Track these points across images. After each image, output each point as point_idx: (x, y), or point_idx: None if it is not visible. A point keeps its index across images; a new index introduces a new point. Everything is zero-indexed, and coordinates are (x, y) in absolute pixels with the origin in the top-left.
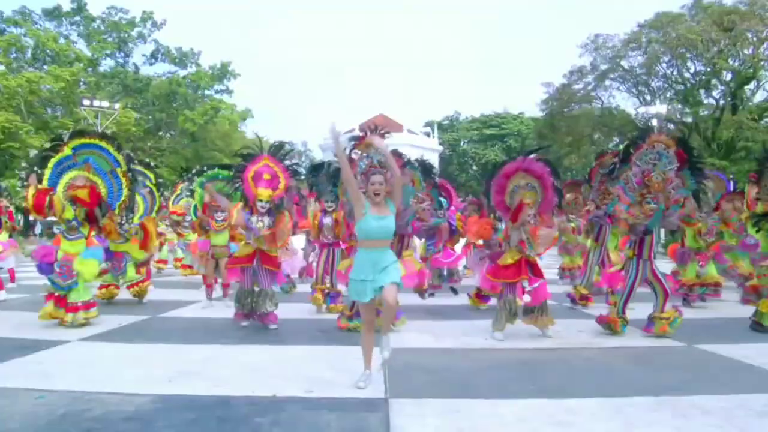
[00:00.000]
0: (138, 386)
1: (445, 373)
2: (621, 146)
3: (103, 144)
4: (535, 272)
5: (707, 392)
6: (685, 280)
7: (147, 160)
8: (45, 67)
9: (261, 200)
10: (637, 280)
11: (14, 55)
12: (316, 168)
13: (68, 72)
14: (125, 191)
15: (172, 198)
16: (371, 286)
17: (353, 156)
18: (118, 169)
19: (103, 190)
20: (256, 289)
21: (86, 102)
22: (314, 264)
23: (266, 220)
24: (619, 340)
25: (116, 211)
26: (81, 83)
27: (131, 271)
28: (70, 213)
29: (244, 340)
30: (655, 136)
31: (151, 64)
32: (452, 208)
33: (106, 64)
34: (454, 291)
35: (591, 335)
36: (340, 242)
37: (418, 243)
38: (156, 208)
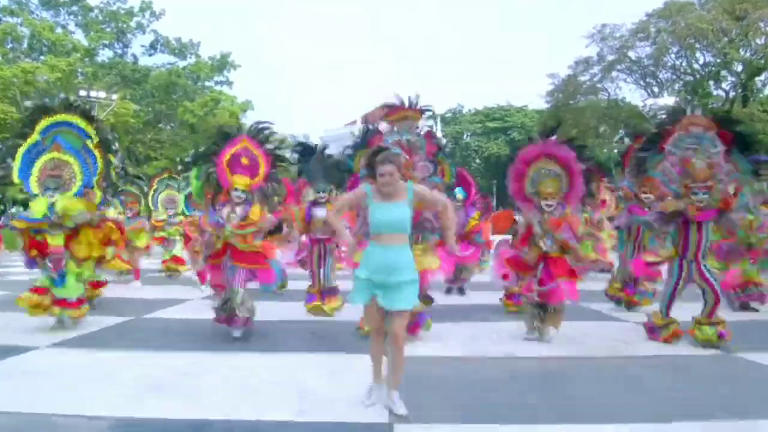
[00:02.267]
0: (101, 405)
1: (456, 390)
2: (626, 138)
3: (71, 118)
4: (558, 270)
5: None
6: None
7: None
8: (42, 57)
9: (237, 189)
10: (680, 283)
11: (10, 45)
12: (305, 151)
13: (64, 62)
14: (100, 164)
15: (150, 194)
16: (378, 292)
17: (380, 128)
18: (89, 142)
19: (76, 168)
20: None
21: (83, 92)
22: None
23: (240, 211)
24: (652, 347)
25: (94, 189)
26: (78, 74)
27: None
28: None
29: (231, 345)
30: (689, 118)
31: (150, 55)
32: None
33: (105, 55)
34: (462, 291)
35: (618, 340)
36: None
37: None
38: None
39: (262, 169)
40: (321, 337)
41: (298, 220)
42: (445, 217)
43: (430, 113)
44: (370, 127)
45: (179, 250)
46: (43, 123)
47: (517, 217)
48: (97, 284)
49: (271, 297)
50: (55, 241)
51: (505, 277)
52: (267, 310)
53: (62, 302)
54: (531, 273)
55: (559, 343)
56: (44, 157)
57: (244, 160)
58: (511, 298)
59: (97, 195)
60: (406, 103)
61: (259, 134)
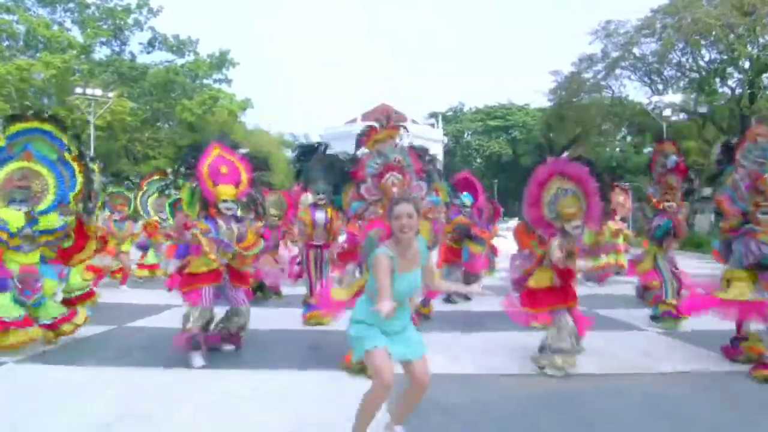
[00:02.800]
0: None
1: (467, 413)
2: (629, 137)
3: (45, 126)
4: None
5: None
6: None
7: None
8: (38, 55)
9: (225, 200)
10: None
11: (6, 42)
12: (305, 151)
13: (59, 59)
14: (79, 178)
15: (139, 196)
16: (388, 343)
17: (359, 156)
18: (67, 154)
19: (50, 181)
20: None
21: (78, 90)
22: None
23: (235, 227)
24: (681, 362)
25: (71, 205)
26: (75, 71)
27: (75, 278)
28: None
29: (216, 361)
30: (753, 127)
31: (148, 53)
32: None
33: (102, 53)
34: (467, 298)
35: (644, 353)
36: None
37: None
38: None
39: (244, 176)
40: (317, 349)
41: (307, 224)
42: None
43: (409, 126)
44: (344, 157)
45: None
46: (12, 129)
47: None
48: (87, 295)
49: (266, 303)
50: (29, 259)
51: (526, 322)
52: (262, 318)
53: (52, 325)
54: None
55: (581, 357)
56: (11, 166)
57: (224, 169)
58: None
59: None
60: (378, 126)
61: (227, 139)
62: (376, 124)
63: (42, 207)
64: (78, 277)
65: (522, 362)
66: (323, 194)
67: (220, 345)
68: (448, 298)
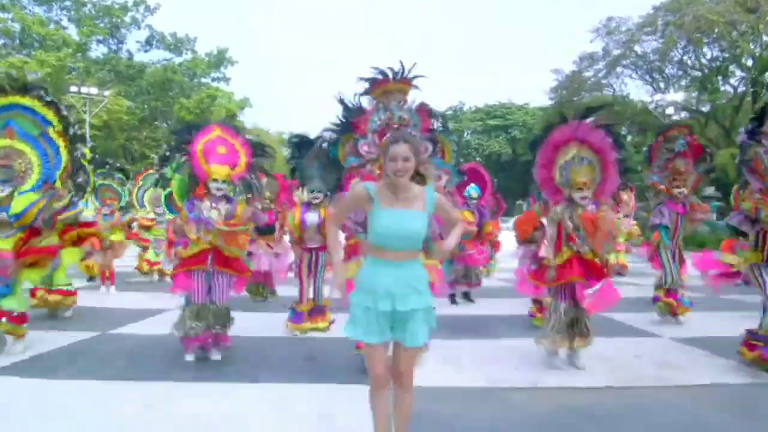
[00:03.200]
0: None
1: None
2: (629, 136)
3: (26, 101)
4: (594, 273)
5: None
6: None
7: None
8: (34, 53)
9: (216, 180)
10: None
11: (2, 41)
12: (301, 144)
13: (54, 57)
14: (65, 156)
15: (135, 191)
16: (384, 322)
17: (364, 104)
18: (51, 129)
19: (33, 159)
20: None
21: (74, 88)
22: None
23: (223, 207)
24: (704, 373)
25: (57, 183)
26: (71, 69)
27: (60, 275)
28: None
29: (202, 374)
30: None
31: (146, 51)
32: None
33: (99, 51)
34: (470, 299)
35: (659, 363)
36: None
37: None
38: (89, 188)
39: (243, 159)
40: (310, 359)
41: (293, 226)
42: (453, 235)
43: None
44: (350, 104)
45: (152, 254)
46: None
47: (544, 220)
48: (67, 293)
49: (256, 307)
50: (3, 244)
51: (535, 291)
52: (252, 323)
53: (7, 314)
54: (569, 279)
55: (593, 367)
56: None
57: (221, 149)
58: (542, 311)
59: (64, 196)
60: (391, 75)
61: (231, 124)
62: (389, 73)
63: (26, 187)
64: (62, 275)
65: (532, 373)
66: (319, 193)
67: (209, 350)
68: (453, 299)
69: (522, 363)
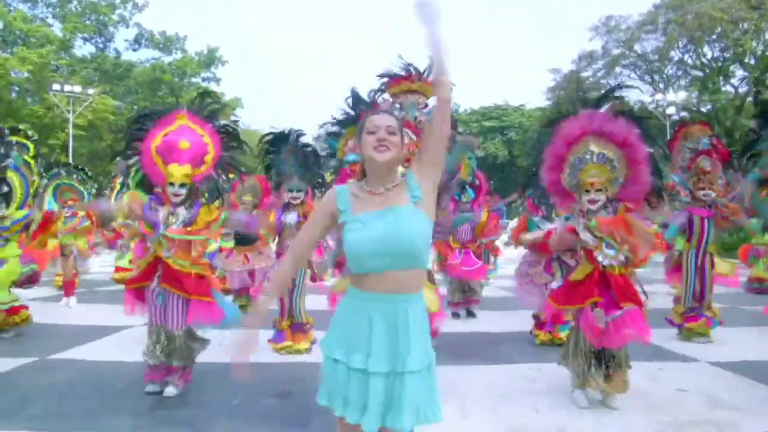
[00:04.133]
0: None
1: None
2: None
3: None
4: (620, 294)
5: None
6: None
7: (21, 127)
8: (15, 49)
9: (174, 183)
10: None
11: None
12: (276, 139)
13: (36, 54)
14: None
15: (113, 195)
16: (365, 388)
17: (377, 101)
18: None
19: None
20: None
21: (56, 86)
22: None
23: (182, 213)
24: (750, 410)
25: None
26: (55, 67)
27: (2, 293)
28: None
29: (142, 421)
30: None
31: (134, 50)
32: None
33: (85, 49)
34: (472, 314)
35: (709, 401)
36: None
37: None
38: (32, 191)
39: (211, 154)
40: (285, 398)
41: (270, 230)
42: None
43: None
44: (365, 97)
45: (126, 261)
46: None
47: (550, 226)
48: (15, 310)
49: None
50: None
51: (557, 318)
52: (221, 343)
53: None
54: (589, 300)
55: (628, 407)
56: None
57: (184, 144)
58: (543, 326)
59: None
60: (414, 72)
61: (203, 109)
62: (412, 71)
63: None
64: (5, 291)
65: (557, 416)
66: (298, 192)
67: (162, 383)
68: (455, 312)
69: (542, 400)
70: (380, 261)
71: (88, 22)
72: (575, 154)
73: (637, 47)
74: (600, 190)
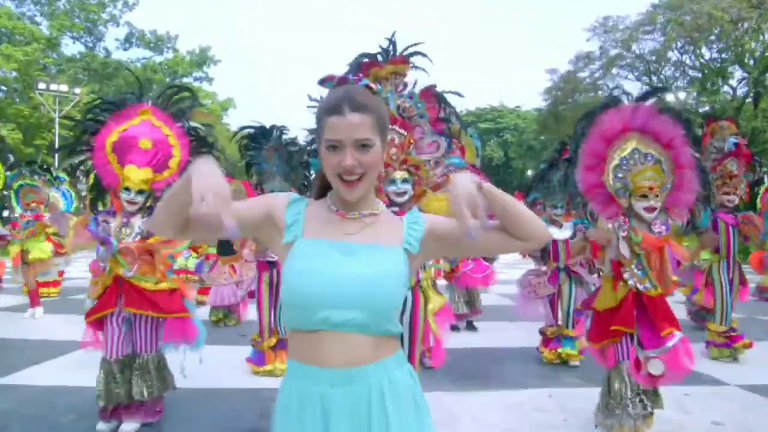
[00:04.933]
0: None
1: None
2: None
3: None
4: (659, 319)
5: None
6: None
7: None
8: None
9: (129, 188)
10: None
11: None
12: (256, 135)
13: (21, 51)
14: None
15: (90, 197)
16: None
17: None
18: None
19: None
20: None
21: (42, 85)
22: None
23: (138, 223)
24: None
25: None
26: (45, 67)
27: None
28: None
29: None
30: None
31: (125, 50)
32: None
33: (75, 48)
34: (472, 326)
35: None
36: None
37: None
38: None
39: (177, 158)
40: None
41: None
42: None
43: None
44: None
45: None
46: None
47: (556, 230)
48: None
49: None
50: None
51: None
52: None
53: None
54: (628, 329)
55: None
56: None
57: (145, 143)
58: (549, 343)
59: None
60: (381, 57)
61: (173, 104)
62: (379, 57)
63: None
64: None
65: None
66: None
67: (118, 422)
68: (454, 325)
69: (556, 428)
70: (342, 313)
71: (77, 20)
72: (619, 153)
73: (634, 48)
74: (657, 195)
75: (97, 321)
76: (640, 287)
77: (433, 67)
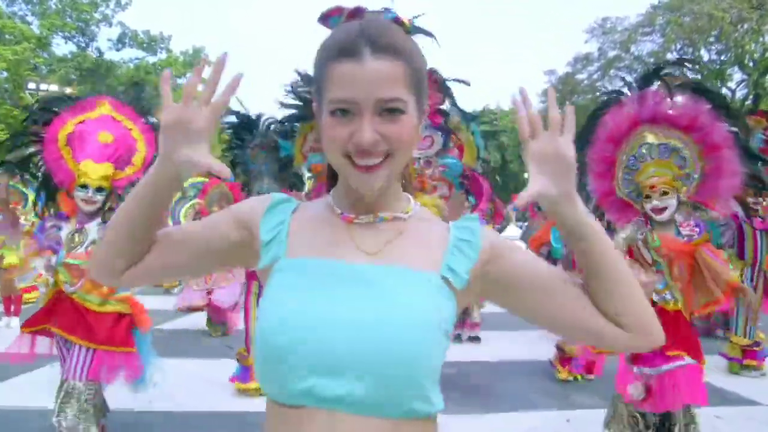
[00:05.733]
0: None
1: None
2: None
3: None
4: (679, 340)
5: None
6: None
7: None
8: None
9: (86, 185)
10: None
11: None
12: (240, 128)
13: (10, 50)
14: None
15: None
16: None
17: None
18: None
19: None
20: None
21: (32, 86)
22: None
23: (93, 231)
24: None
25: None
26: (36, 66)
27: None
28: None
29: None
30: None
31: (117, 50)
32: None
33: (66, 48)
34: (476, 338)
35: None
36: None
37: None
38: None
39: (141, 153)
40: None
41: None
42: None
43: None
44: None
45: None
46: None
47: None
48: None
49: (191, 350)
50: None
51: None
52: (180, 379)
53: None
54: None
55: None
56: None
57: (105, 136)
58: (567, 362)
59: None
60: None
61: (136, 98)
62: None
63: None
64: None
65: None
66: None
67: None
68: (457, 336)
69: None
70: (335, 384)
71: (69, 20)
72: (628, 152)
73: (633, 49)
74: (666, 193)
75: (34, 334)
76: (655, 298)
77: (438, 48)
